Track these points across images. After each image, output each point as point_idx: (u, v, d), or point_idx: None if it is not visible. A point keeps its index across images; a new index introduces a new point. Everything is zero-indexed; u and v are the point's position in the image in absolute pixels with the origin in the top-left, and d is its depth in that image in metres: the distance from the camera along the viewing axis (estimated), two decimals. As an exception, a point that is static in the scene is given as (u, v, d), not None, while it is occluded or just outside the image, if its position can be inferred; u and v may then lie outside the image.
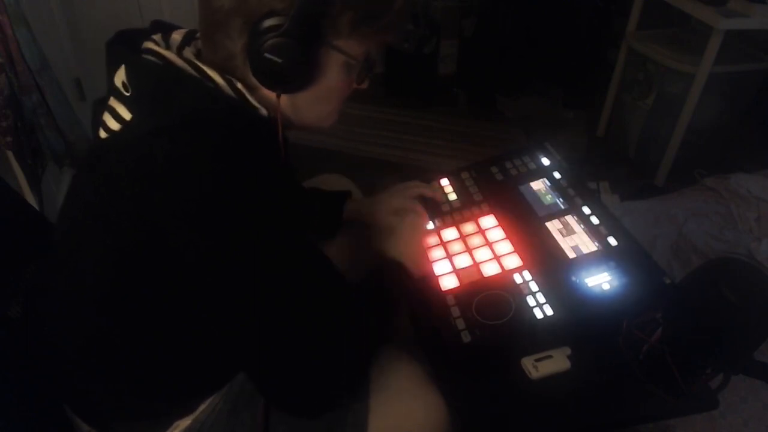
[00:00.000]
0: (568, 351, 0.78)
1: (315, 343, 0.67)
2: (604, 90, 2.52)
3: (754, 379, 0.80)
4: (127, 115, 0.64)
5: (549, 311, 0.83)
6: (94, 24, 2.09)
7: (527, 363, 0.77)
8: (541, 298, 0.85)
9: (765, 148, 2.30)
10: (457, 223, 1.02)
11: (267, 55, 0.63)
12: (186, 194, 0.59)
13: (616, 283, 0.85)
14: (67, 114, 1.59)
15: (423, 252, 0.92)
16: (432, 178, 1.15)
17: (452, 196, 1.09)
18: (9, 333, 0.76)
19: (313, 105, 0.72)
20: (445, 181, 1.13)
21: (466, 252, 0.96)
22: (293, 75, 0.66)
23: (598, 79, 2.60)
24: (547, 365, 0.77)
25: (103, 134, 0.67)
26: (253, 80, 0.67)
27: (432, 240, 1.00)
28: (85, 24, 2.06)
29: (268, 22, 0.62)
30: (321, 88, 0.70)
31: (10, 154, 1.37)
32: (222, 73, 0.66)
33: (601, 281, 0.85)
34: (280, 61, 0.63)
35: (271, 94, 0.68)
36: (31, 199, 1.46)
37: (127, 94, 0.64)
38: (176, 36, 0.72)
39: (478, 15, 2.70)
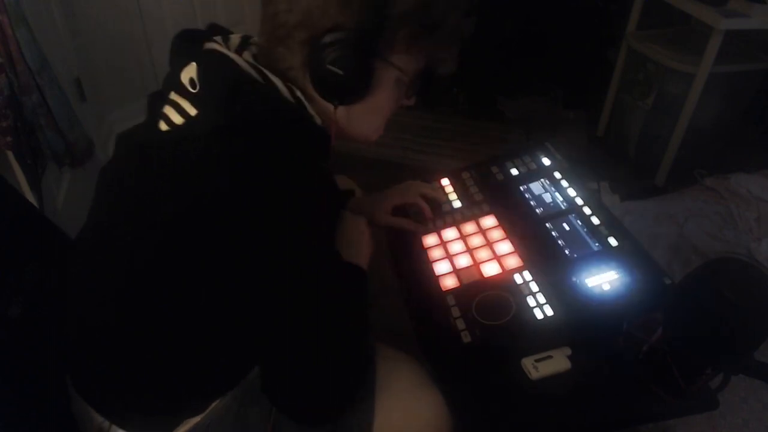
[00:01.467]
0: (568, 351, 0.78)
1: (332, 346, 0.69)
2: (604, 90, 2.52)
3: (754, 379, 0.80)
4: (192, 111, 0.66)
5: (549, 311, 0.83)
6: (94, 24, 2.09)
7: (527, 363, 0.77)
8: (541, 299, 0.85)
9: (765, 148, 2.30)
10: (457, 223, 1.02)
11: (329, 66, 0.66)
12: (240, 192, 0.61)
13: (616, 283, 0.85)
14: (67, 114, 1.59)
15: (366, 253, 0.89)
16: (432, 178, 1.15)
17: (452, 196, 1.09)
18: (9, 333, 0.76)
19: (364, 118, 0.76)
20: (445, 181, 1.13)
21: (467, 252, 0.96)
22: (351, 87, 0.69)
23: (598, 79, 2.59)
24: (547, 365, 0.77)
25: (164, 126, 0.68)
26: (311, 91, 0.70)
27: (432, 240, 1.00)
28: (85, 24, 2.06)
29: (331, 36, 0.65)
30: (374, 102, 0.73)
31: (10, 154, 1.37)
32: (284, 81, 0.69)
33: (601, 281, 0.85)
34: (341, 73, 0.66)
35: (326, 106, 0.71)
36: (31, 199, 1.45)
37: (194, 91, 0.66)
38: (235, 39, 0.75)
39: (478, 15, 2.70)
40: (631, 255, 0.89)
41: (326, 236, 0.72)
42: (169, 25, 2.25)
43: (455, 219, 1.03)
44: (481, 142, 2.61)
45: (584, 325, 0.81)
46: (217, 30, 0.76)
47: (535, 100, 2.87)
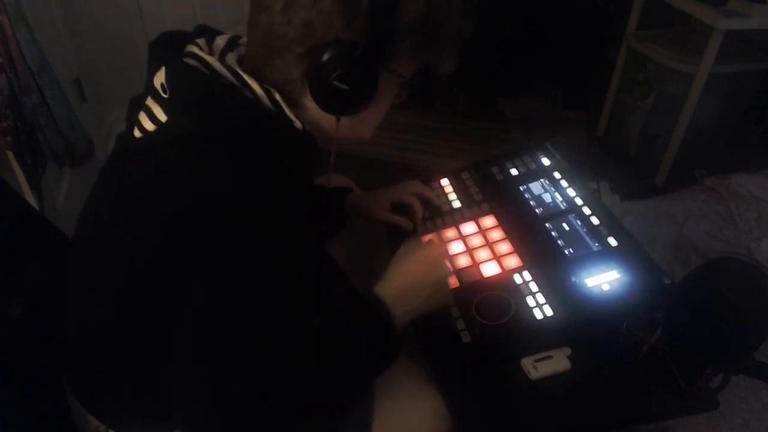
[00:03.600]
0: (568, 351, 0.78)
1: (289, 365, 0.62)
2: (604, 90, 2.52)
3: (754, 379, 0.80)
4: (163, 117, 0.65)
5: (549, 311, 0.83)
6: (94, 24, 2.09)
7: (527, 363, 0.77)
8: (541, 299, 0.85)
9: (765, 148, 2.30)
10: (457, 223, 1.02)
11: (336, 83, 0.63)
12: (203, 203, 0.60)
13: (616, 283, 0.85)
14: (67, 114, 1.59)
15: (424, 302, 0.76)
16: (432, 178, 1.15)
17: (452, 196, 1.09)
18: (9, 333, 0.76)
19: (364, 123, 0.74)
20: (445, 181, 1.13)
21: (466, 252, 0.96)
22: (356, 100, 0.67)
23: (598, 79, 2.59)
24: (547, 365, 0.77)
25: (137, 133, 0.67)
26: (305, 102, 0.68)
27: (432, 240, 1.00)
28: (85, 24, 2.06)
29: (335, 51, 0.62)
30: (375, 108, 0.71)
31: (10, 154, 1.37)
32: (261, 83, 0.66)
33: (601, 281, 0.85)
34: (347, 88, 0.64)
35: (323, 116, 0.69)
36: (31, 199, 1.45)
37: (165, 96, 0.64)
38: (220, 41, 0.73)
39: (478, 15, 2.70)
40: (631, 255, 0.89)
41: (302, 244, 0.66)
42: (169, 25, 2.25)
43: (455, 219, 1.03)
44: (481, 142, 2.61)
45: (584, 325, 0.81)
46: (204, 31, 0.74)
47: (535, 100, 2.87)
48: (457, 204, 1.07)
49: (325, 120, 0.70)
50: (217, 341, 0.60)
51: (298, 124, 0.68)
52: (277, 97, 0.66)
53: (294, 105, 0.69)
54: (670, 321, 0.74)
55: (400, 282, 0.74)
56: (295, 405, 0.62)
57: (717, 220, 1.62)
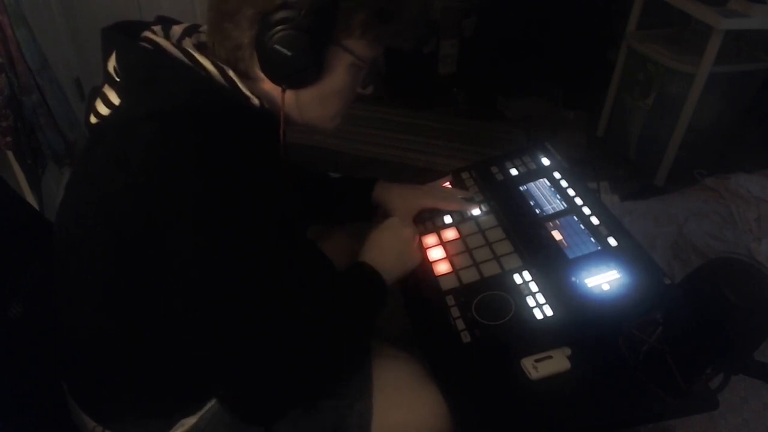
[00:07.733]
0: (568, 351, 0.78)
1: (267, 341, 0.64)
2: (604, 90, 2.52)
3: (754, 379, 0.80)
4: (116, 100, 0.64)
5: (549, 311, 0.83)
6: (94, 24, 2.08)
7: (527, 363, 0.77)
8: (541, 299, 0.85)
9: (765, 148, 2.30)
10: (456, 223, 1.02)
11: (277, 46, 0.63)
12: (161, 184, 0.59)
13: (616, 283, 0.85)
14: (67, 114, 1.59)
15: (402, 264, 0.88)
16: (432, 178, 1.15)
17: (452, 196, 1.09)
18: (9, 333, 0.76)
19: (316, 104, 0.73)
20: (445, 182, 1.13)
21: (466, 252, 0.96)
22: (300, 70, 0.66)
23: (598, 79, 2.59)
24: (547, 365, 0.77)
25: (93, 119, 0.67)
26: (257, 73, 0.67)
27: (432, 240, 1.00)
28: (85, 24, 2.06)
29: (281, 14, 0.62)
30: (326, 87, 0.70)
31: (10, 154, 1.38)
32: (215, 62, 0.66)
33: (601, 281, 0.85)
34: (289, 54, 0.63)
35: (274, 89, 0.68)
36: (31, 199, 1.46)
37: (118, 80, 0.64)
38: (177, 28, 0.73)
39: (479, 15, 2.70)
40: (631, 255, 0.89)
41: (263, 216, 0.65)
42: (169, 25, 2.25)
43: (455, 219, 1.03)
44: (481, 142, 2.61)
45: (584, 325, 0.81)
46: (163, 21, 0.74)
47: (535, 100, 2.87)
48: (457, 204, 1.07)
49: (278, 94, 0.69)
50: (248, 328, 0.63)
51: (255, 101, 0.67)
52: (231, 74, 0.66)
53: (246, 76, 0.68)
54: (670, 321, 0.73)
55: (377, 251, 0.86)
56: (330, 359, 0.71)
57: (717, 220, 1.62)
